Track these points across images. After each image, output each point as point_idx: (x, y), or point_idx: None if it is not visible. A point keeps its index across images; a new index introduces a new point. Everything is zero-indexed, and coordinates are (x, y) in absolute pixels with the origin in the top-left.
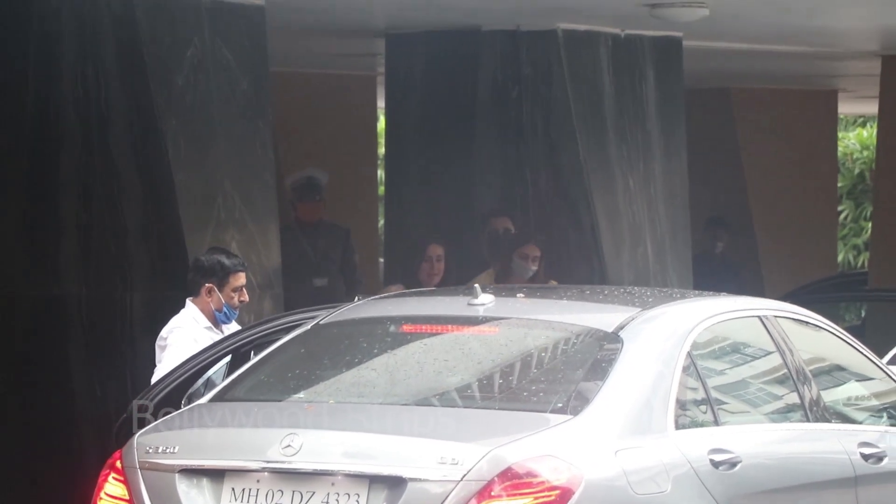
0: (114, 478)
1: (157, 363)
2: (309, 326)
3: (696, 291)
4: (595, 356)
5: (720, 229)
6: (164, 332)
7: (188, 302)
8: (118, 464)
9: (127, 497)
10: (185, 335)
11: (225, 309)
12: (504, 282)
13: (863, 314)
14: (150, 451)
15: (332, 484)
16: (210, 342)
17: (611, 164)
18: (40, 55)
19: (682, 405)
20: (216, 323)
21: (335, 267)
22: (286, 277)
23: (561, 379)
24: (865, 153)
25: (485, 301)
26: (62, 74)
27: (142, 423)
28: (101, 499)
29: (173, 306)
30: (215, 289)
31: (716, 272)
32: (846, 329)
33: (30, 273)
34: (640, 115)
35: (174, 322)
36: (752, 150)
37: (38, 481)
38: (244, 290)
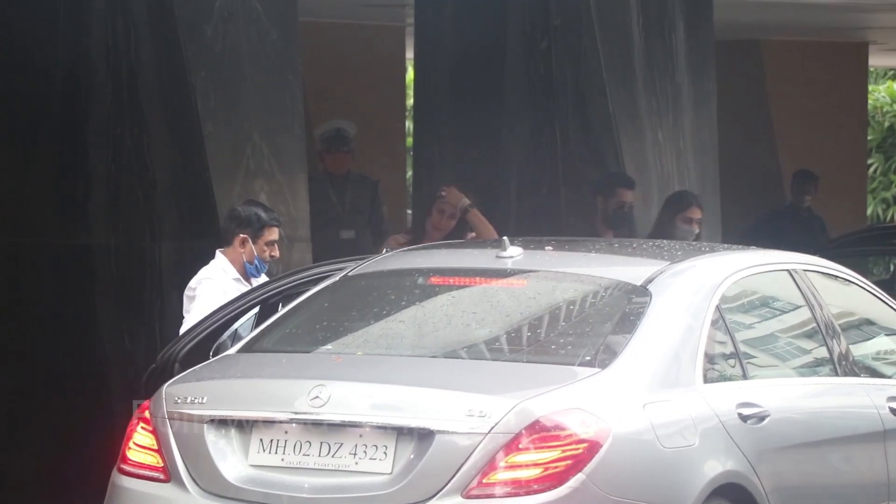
0: (143, 427)
1: (185, 313)
2: (337, 278)
3: (726, 245)
4: (623, 309)
5: (809, 183)
6: (192, 283)
7: (218, 253)
8: (147, 413)
9: (156, 447)
10: (214, 286)
11: (256, 261)
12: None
13: (892, 268)
14: (179, 401)
15: (360, 436)
16: (238, 294)
17: (640, 117)
18: (70, 6)
19: (710, 359)
20: (245, 275)
21: (363, 219)
22: (313, 229)
23: (589, 332)
24: None
25: (513, 254)
26: (92, 26)
27: (171, 373)
28: (130, 448)
29: (202, 257)
30: (249, 240)
31: (804, 227)
32: (875, 283)
33: (59, 223)
34: (669, 67)
35: (204, 273)
36: (781, 103)
37: (67, 430)
38: (276, 245)
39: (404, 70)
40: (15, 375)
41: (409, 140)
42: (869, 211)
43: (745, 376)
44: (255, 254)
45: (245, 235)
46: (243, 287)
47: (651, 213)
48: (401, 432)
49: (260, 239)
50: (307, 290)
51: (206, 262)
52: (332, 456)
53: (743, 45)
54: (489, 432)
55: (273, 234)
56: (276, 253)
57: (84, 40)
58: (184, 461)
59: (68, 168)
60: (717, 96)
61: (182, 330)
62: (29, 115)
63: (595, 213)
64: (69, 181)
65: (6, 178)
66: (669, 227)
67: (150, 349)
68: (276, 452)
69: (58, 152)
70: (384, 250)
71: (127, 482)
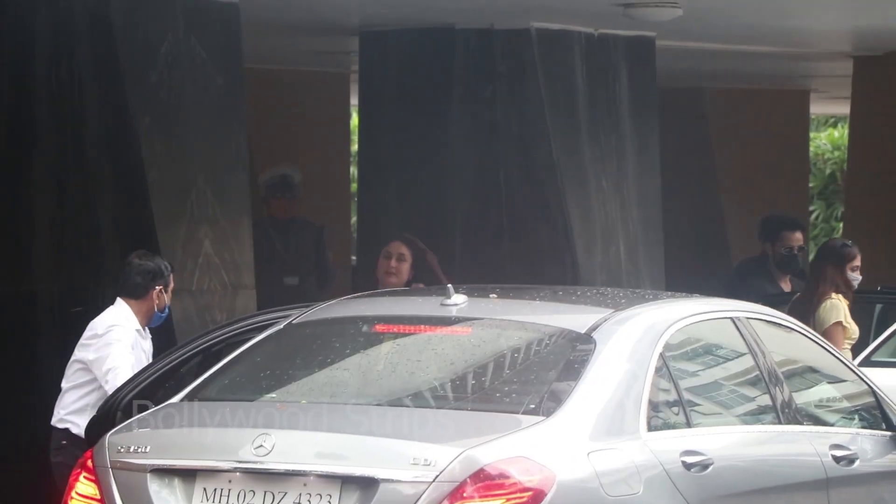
0: (85, 477)
1: (78, 360)
2: (282, 326)
3: (669, 293)
4: (568, 357)
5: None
6: (98, 329)
7: (121, 302)
8: (89, 463)
9: (98, 496)
10: (125, 332)
11: (167, 309)
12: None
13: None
14: (122, 450)
15: (305, 484)
16: (131, 339)
17: (584, 164)
18: (14, 53)
19: (654, 407)
20: (146, 325)
21: (308, 265)
22: (257, 275)
23: (534, 380)
24: (836, 153)
25: (458, 301)
26: (35, 70)
27: (113, 422)
28: (72, 498)
29: None
30: (163, 290)
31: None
32: None
33: (3, 268)
34: (613, 114)
35: (110, 319)
36: (724, 149)
37: (10, 479)
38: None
39: (349, 116)
40: None
41: (354, 186)
42: (811, 257)
43: (688, 424)
44: (167, 302)
45: (160, 287)
46: (143, 337)
47: (594, 259)
48: (345, 481)
49: (169, 288)
50: (251, 337)
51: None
52: None
53: (686, 93)
54: (434, 481)
55: (173, 280)
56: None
57: (28, 85)
58: None
59: (12, 214)
60: (660, 143)
61: (109, 376)
62: None
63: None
64: (13, 227)
65: None
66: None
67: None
68: (219, 501)
69: (1, 198)
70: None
71: None
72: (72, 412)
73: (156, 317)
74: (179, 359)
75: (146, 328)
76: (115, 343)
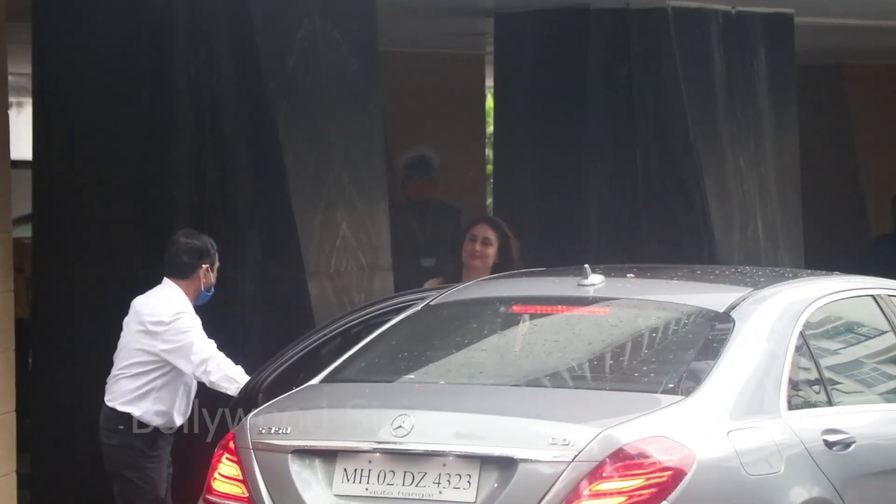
0: (227, 458)
1: (140, 349)
2: (419, 307)
3: (809, 271)
4: (706, 336)
5: None
6: (164, 317)
7: (171, 283)
8: (231, 444)
9: (241, 477)
10: (194, 317)
11: (213, 288)
12: None
13: None
14: (263, 431)
15: (444, 465)
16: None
17: (721, 143)
18: (154, 41)
19: (794, 385)
20: (195, 303)
21: (445, 246)
22: (397, 258)
23: (672, 359)
24: None
25: (595, 281)
26: (175, 59)
27: (254, 403)
28: (215, 479)
29: (283, 286)
30: (209, 269)
31: None
32: None
33: (146, 252)
34: (751, 93)
35: (175, 306)
36: (863, 127)
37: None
38: (478, 242)
39: (484, 98)
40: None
41: (490, 167)
42: None
43: (830, 402)
44: (213, 281)
45: (207, 265)
46: (196, 316)
47: (732, 238)
48: (484, 461)
49: (215, 266)
50: (389, 319)
51: (288, 291)
52: (416, 485)
53: (824, 70)
54: (573, 461)
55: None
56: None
57: (168, 73)
58: (268, 491)
59: (152, 200)
60: (798, 121)
61: (199, 357)
62: (114, 147)
63: None
64: (153, 213)
65: (94, 208)
66: None
67: None
68: (360, 482)
69: (142, 183)
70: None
71: None
72: (134, 398)
73: (202, 295)
74: (319, 341)
75: (206, 301)
76: (192, 331)
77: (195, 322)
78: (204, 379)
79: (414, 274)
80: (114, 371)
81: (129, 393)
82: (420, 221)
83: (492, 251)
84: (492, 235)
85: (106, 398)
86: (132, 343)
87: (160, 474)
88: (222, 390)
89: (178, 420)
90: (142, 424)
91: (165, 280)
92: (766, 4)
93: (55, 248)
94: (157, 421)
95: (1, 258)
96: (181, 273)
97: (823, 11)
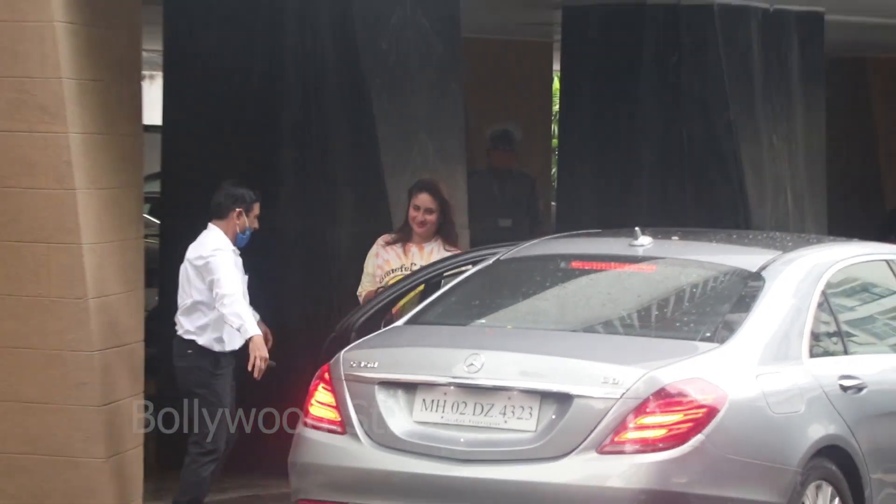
0: (323, 387)
1: (191, 281)
2: (491, 261)
3: (831, 237)
4: (740, 292)
5: None
6: (204, 252)
7: (212, 226)
8: (326, 375)
9: (334, 404)
10: (227, 255)
11: (247, 231)
12: None
13: None
14: (354, 365)
15: (509, 398)
16: (232, 261)
17: (757, 124)
18: (267, 25)
19: (815, 336)
20: (236, 243)
21: (521, 210)
22: (477, 218)
23: (709, 312)
24: None
25: (644, 242)
26: (285, 40)
27: (347, 341)
28: (312, 405)
29: (372, 241)
30: (243, 213)
31: None
32: None
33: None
34: (784, 80)
35: (213, 243)
36: (884, 116)
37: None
38: (257, 219)
39: (551, 80)
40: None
41: (555, 141)
42: None
43: (846, 352)
44: (247, 225)
45: (240, 210)
46: (236, 255)
47: (765, 207)
48: (544, 396)
49: (251, 213)
50: (465, 271)
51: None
52: (485, 415)
53: (849, 62)
54: (621, 397)
55: (258, 209)
56: (257, 225)
57: (278, 53)
58: (357, 417)
59: (262, 161)
60: (825, 107)
61: (223, 291)
62: (231, 114)
63: None
64: (263, 174)
65: (212, 167)
66: None
67: (329, 320)
68: (436, 411)
69: (252, 148)
70: (377, 249)
71: (310, 434)
72: (197, 328)
73: (239, 237)
74: (404, 289)
75: (243, 244)
76: (221, 267)
77: (226, 260)
78: (220, 310)
79: (492, 232)
80: (179, 307)
81: (194, 322)
82: (500, 187)
83: (432, 217)
84: (433, 204)
85: (176, 329)
86: (186, 283)
87: (225, 389)
88: (230, 323)
89: (237, 344)
90: (203, 349)
91: (209, 224)
92: (800, 3)
93: (179, 200)
94: (216, 346)
95: (133, 209)
96: (219, 214)
97: (851, 10)
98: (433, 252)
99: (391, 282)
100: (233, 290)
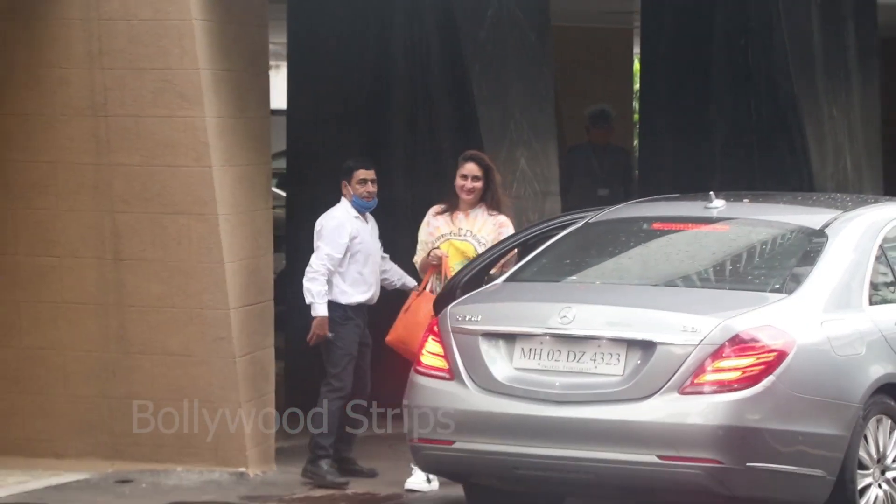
0: (433, 339)
1: (316, 244)
2: (580, 224)
3: (887, 197)
4: (805, 248)
5: None
6: (318, 221)
7: (342, 199)
8: (435, 328)
9: (442, 353)
10: (333, 223)
11: (354, 198)
12: None
13: None
14: (460, 319)
15: (599, 346)
16: (352, 226)
17: (818, 97)
18: (378, 19)
19: (874, 286)
20: (359, 212)
21: (617, 180)
22: (579, 188)
23: (778, 266)
24: None
25: (718, 205)
26: (394, 33)
27: (453, 297)
28: (423, 355)
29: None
30: (346, 184)
31: None
32: None
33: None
34: (842, 56)
35: (328, 213)
36: None
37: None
38: (368, 183)
39: (632, 62)
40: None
41: (636, 116)
42: None
43: None
44: (353, 193)
45: (344, 181)
46: (361, 221)
47: (826, 171)
48: (630, 344)
49: (352, 180)
50: (557, 233)
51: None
52: (577, 361)
53: None
54: (699, 344)
55: (357, 175)
56: (368, 188)
57: (388, 44)
58: (463, 364)
59: (375, 139)
60: (879, 81)
61: (322, 254)
62: (347, 99)
63: None
64: (376, 150)
65: (331, 145)
66: None
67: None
68: (533, 358)
69: (367, 128)
70: (428, 218)
71: (421, 380)
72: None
73: (355, 202)
74: (503, 250)
75: (363, 210)
76: (323, 238)
77: (332, 231)
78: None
79: (593, 201)
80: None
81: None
82: (599, 160)
83: (479, 185)
84: (479, 172)
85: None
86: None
87: (352, 338)
88: (304, 292)
89: (360, 298)
90: (332, 301)
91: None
92: None
93: (302, 175)
94: (341, 299)
95: (262, 183)
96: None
97: None
98: (477, 217)
99: (441, 246)
100: (317, 266)
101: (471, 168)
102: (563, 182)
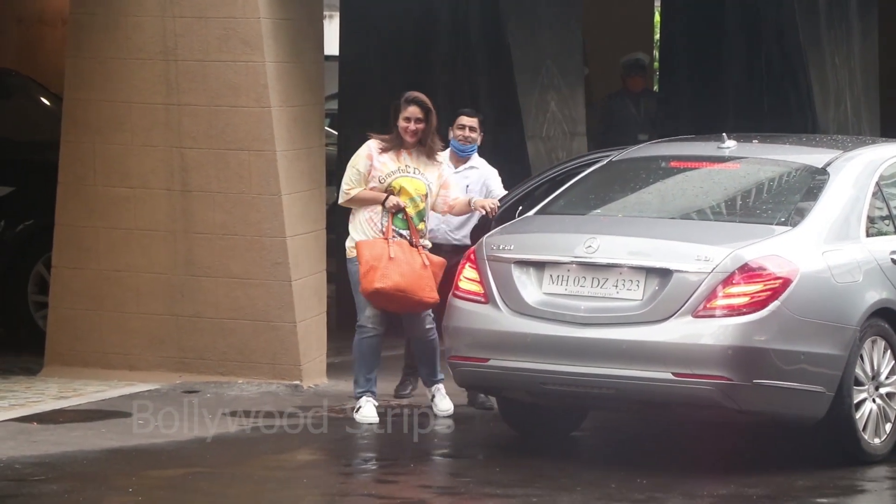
0: (469, 266)
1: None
2: (604, 162)
3: (884, 139)
4: (809, 185)
5: None
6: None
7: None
8: (472, 256)
9: (478, 279)
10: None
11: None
12: None
13: None
14: (495, 248)
15: (620, 273)
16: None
17: (822, 46)
18: None
19: (871, 220)
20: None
21: (653, 124)
22: (619, 134)
23: (783, 201)
24: None
25: (730, 145)
26: None
27: (488, 228)
28: (461, 280)
29: (511, 146)
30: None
31: None
32: None
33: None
34: (843, 8)
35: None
36: None
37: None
38: (411, 120)
39: (653, 13)
40: None
41: (656, 64)
42: None
43: None
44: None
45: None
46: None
47: (828, 114)
48: (649, 271)
49: (396, 120)
50: (583, 171)
51: (514, 150)
52: (600, 287)
53: None
54: (711, 272)
55: (406, 111)
56: (408, 126)
57: (432, 3)
58: (497, 289)
59: (420, 83)
60: (877, 30)
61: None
62: (394, 46)
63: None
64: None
65: (380, 89)
66: None
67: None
68: (561, 284)
69: (413, 73)
70: (370, 151)
71: (459, 303)
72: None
73: (452, 144)
74: (534, 185)
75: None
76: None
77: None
78: None
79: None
80: None
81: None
82: (636, 107)
83: (421, 126)
84: (421, 115)
85: None
86: None
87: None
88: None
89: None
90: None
91: None
92: None
93: (353, 116)
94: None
95: (316, 123)
96: None
97: None
98: (421, 157)
99: (394, 183)
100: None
101: (413, 111)
102: (601, 128)
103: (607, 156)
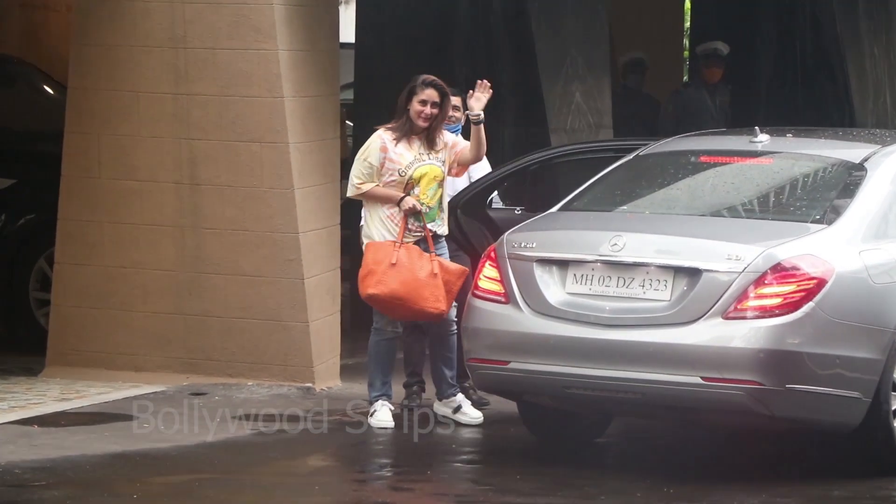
0: (489, 264)
1: None
2: (631, 156)
3: None
4: (845, 181)
5: None
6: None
7: None
8: (492, 254)
9: (498, 278)
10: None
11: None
12: None
13: None
14: (516, 246)
15: (647, 273)
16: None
17: (860, 36)
18: None
19: None
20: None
21: (727, 115)
22: (693, 126)
23: (819, 198)
24: None
25: (763, 139)
26: None
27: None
28: (480, 279)
29: (533, 138)
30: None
31: None
32: None
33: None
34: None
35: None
36: None
37: None
38: (428, 104)
39: (683, 2)
40: None
41: (686, 53)
42: None
43: None
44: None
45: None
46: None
47: (866, 108)
48: (677, 271)
49: (409, 105)
50: (609, 157)
51: (536, 142)
52: (627, 287)
53: None
54: (743, 271)
55: (423, 94)
56: (424, 110)
57: None
58: (518, 289)
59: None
60: None
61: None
62: (412, 34)
63: None
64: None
65: (396, 77)
66: None
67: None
68: (585, 284)
69: (432, 61)
70: (384, 143)
71: (479, 303)
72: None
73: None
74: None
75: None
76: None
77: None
78: None
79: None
80: None
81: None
82: (712, 99)
83: (436, 110)
84: (438, 99)
85: None
86: None
87: None
88: None
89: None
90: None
91: None
92: None
93: (369, 105)
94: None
95: (331, 114)
96: None
97: None
98: (424, 140)
99: (415, 174)
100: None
101: (431, 94)
102: (672, 121)
103: (636, 147)
